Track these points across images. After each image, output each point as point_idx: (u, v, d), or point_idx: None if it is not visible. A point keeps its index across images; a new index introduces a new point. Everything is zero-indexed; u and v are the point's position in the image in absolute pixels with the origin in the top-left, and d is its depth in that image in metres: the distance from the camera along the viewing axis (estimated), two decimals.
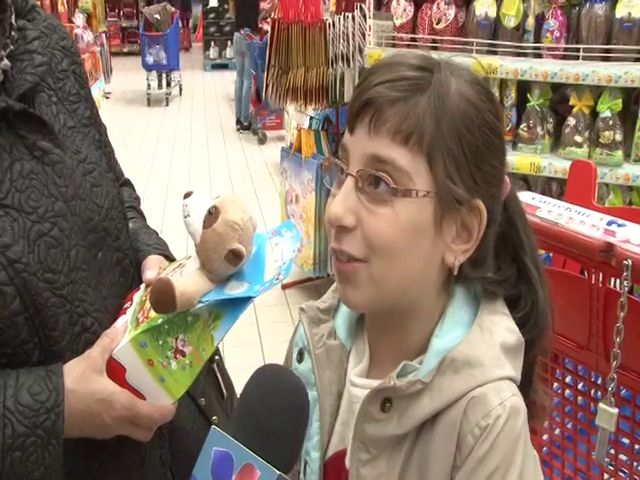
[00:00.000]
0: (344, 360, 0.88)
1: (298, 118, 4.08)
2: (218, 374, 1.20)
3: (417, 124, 0.74)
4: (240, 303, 0.91)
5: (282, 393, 0.75)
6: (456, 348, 0.77)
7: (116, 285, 1.01)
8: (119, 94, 10.32)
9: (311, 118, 4.09)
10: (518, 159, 2.86)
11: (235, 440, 0.71)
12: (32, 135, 0.94)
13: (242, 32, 7.04)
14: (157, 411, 0.93)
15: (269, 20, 5.23)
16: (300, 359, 0.91)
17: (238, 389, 1.30)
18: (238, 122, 7.74)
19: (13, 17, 0.97)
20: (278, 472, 0.69)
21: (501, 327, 0.80)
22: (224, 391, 1.20)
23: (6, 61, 0.94)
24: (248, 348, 3.40)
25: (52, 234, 0.92)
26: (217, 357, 1.20)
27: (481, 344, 0.78)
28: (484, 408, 0.74)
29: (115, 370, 0.91)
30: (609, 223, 1.39)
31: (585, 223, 1.43)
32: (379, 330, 0.87)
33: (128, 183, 1.27)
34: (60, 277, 0.92)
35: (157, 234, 1.20)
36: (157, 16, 7.35)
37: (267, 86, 3.77)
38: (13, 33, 0.96)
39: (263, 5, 7.13)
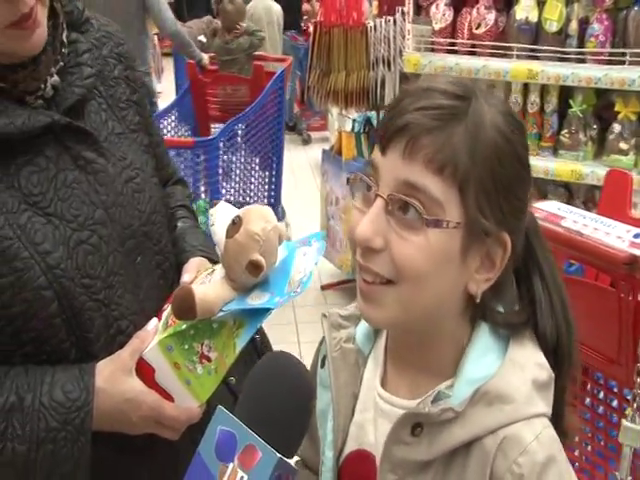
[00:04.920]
0: (360, 364, 0.91)
1: (340, 121, 4.09)
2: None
3: (452, 155, 0.73)
4: (260, 313, 0.93)
5: (288, 379, 0.76)
6: (489, 381, 0.78)
7: (155, 288, 1.04)
8: (170, 92, 10.52)
9: (353, 120, 4.10)
10: (559, 166, 2.81)
11: (240, 421, 0.72)
12: (77, 146, 1.00)
13: (287, 34, 7.10)
14: (183, 413, 0.97)
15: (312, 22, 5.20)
16: (322, 365, 0.93)
17: None
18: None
19: (65, 34, 1.03)
20: (279, 455, 0.70)
21: (532, 362, 0.80)
22: None
23: (56, 77, 0.99)
24: (286, 347, 3.43)
25: (91, 241, 0.97)
26: (257, 336, 1.22)
27: (513, 380, 0.78)
28: (520, 446, 0.75)
29: (145, 370, 0.94)
30: (636, 235, 1.37)
31: (610, 234, 1.41)
32: (398, 344, 0.88)
33: (181, 181, 1.30)
34: (97, 282, 0.97)
35: (205, 235, 1.23)
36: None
37: (308, 88, 3.80)
38: (64, 50, 1.02)
39: (306, 7, 7.18)
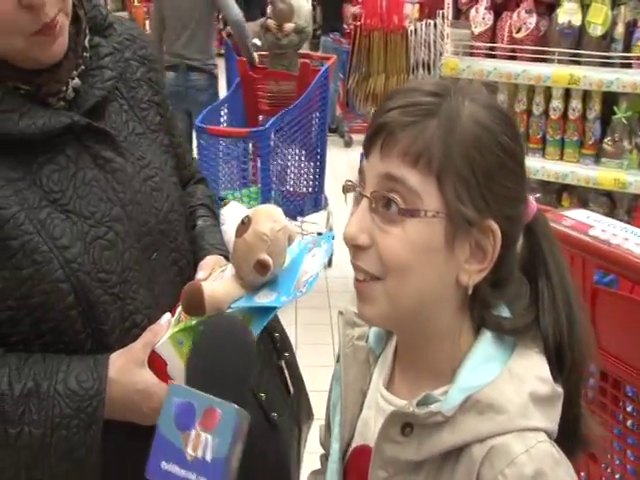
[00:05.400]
0: (371, 363, 0.93)
1: None
2: (286, 371, 1.25)
3: (426, 146, 0.76)
4: (267, 311, 0.95)
5: (229, 337, 0.84)
6: (483, 390, 0.77)
7: (171, 284, 1.06)
8: (221, 88, 10.68)
9: None
10: (601, 174, 2.73)
11: (193, 389, 0.77)
12: (96, 145, 1.04)
13: (330, 36, 7.10)
14: None
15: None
16: (337, 359, 0.97)
17: (311, 385, 1.41)
18: None
19: (87, 39, 1.07)
20: (237, 406, 0.76)
21: (532, 376, 0.79)
22: (290, 388, 1.25)
23: (77, 80, 1.03)
24: (322, 347, 3.46)
25: (107, 237, 1.02)
26: (287, 354, 1.26)
27: (508, 391, 0.77)
28: (507, 457, 0.74)
29: (157, 363, 0.97)
30: None
31: None
32: (402, 346, 0.90)
33: (203, 181, 1.34)
34: (112, 277, 1.01)
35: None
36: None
37: (348, 91, 3.81)
38: (85, 54, 1.06)
39: (351, 9, 7.19)
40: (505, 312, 0.84)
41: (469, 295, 0.81)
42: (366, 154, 0.81)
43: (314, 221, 4.38)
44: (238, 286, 0.97)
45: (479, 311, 0.83)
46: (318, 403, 1.04)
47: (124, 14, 8.07)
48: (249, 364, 0.84)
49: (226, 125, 4.24)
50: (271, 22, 5.07)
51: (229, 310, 0.94)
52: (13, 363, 0.95)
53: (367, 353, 0.94)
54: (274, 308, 0.95)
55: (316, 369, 1.97)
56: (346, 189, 0.83)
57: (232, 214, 1.10)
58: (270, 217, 0.97)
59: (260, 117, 4.55)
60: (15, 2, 0.90)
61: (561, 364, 0.82)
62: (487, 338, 0.82)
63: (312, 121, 4.07)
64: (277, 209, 1.00)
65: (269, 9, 5.56)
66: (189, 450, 0.77)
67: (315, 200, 4.23)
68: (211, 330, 0.86)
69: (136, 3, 8.07)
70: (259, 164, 3.83)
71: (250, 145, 3.75)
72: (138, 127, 1.13)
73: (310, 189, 4.20)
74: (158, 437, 0.79)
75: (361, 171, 0.82)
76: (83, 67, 1.05)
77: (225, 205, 1.13)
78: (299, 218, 4.13)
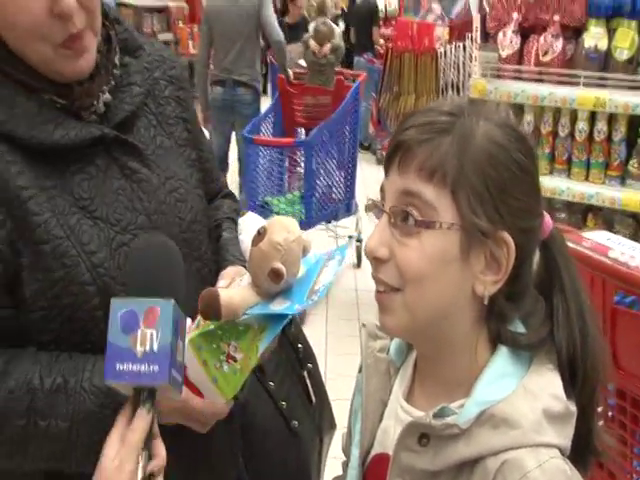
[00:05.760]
0: (391, 374, 0.96)
1: None
2: (308, 381, 1.28)
3: (440, 162, 0.79)
4: (280, 318, 0.97)
5: (153, 247, 0.93)
6: (497, 405, 0.79)
7: (194, 291, 1.08)
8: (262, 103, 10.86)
9: None
10: (626, 196, 2.74)
11: (133, 298, 0.84)
12: (124, 157, 1.09)
13: (364, 56, 7.26)
14: (209, 407, 1.02)
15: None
16: (360, 370, 1.00)
17: (339, 394, 1.44)
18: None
19: (117, 57, 1.13)
20: (172, 300, 0.83)
21: (546, 393, 0.80)
22: (312, 397, 1.28)
23: (107, 95, 1.09)
24: (351, 357, 3.52)
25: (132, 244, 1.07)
26: (310, 364, 1.29)
27: (522, 406, 0.79)
28: (520, 471, 0.75)
29: None
30: None
31: None
32: (421, 358, 0.93)
33: (230, 195, 1.39)
34: None
35: None
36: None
37: (380, 110, 3.89)
38: (116, 71, 1.12)
39: (383, 31, 7.33)
40: (520, 327, 0.85)
41: (486, 308, 0.83)
42: (386, 171, 0.85)
43: (346, 225, 4.63)
44: (254, 293, 0.99)
45: (495, 325, 0.84)
46: (346, 412, 1.07)
47: (169, 35, 8.36)
48: (177, 274, 0.91)
49: (266, 135, 4.57)
50: (313, 42, 5.46)
51: (244, 316, 0.96)
52: (44, 360, 1.00)
53: (388, 365, 0.96)
54: (287, 315, 0.96)
55: (345, 378, 2.02)
56: (368, 208, 0.87)
57: (249, 224, 1.17)
58: (285, 228, 0.99)
59: (297, 129, 4.91)
60: (47, 10, 0.96)
61: (574, 378, 0.83)
62: (503, 353, 0.83)
63: (345, 133, 4.38)
64: (292, 220, 1.02)
65: (310, 29, 5.89)
66: (138, 347, 0.83)
67: (347, 206, 4.49)
68: (143, 248, 0.94)
69: (180, 25, 8.36)
70: (293, 172, 4.21)
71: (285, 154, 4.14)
72: (165, 141, 1.18)
73: (342, 196, 4.47)
74: (109, 346, 0.85)
75: (382, 189, 0.85)
76: (113, 83, 1.11)
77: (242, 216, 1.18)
78: (333, 222, 4.43)
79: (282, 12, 7.05)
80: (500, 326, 0.84)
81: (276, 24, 4.80)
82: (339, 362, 3.26)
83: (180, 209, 1.14)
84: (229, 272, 1.11)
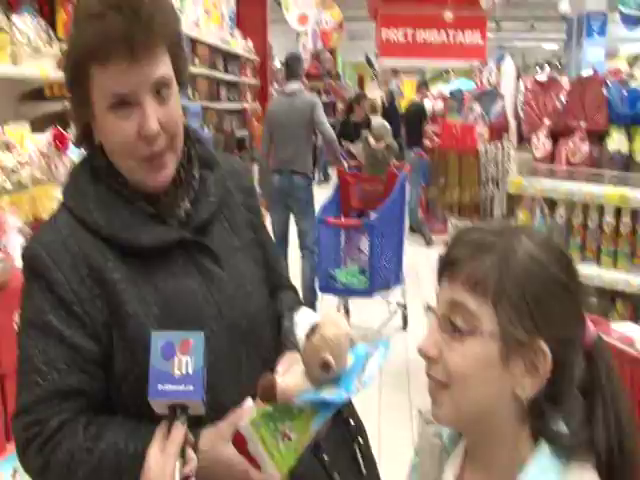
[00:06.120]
0: (444, 459, 1.02)
1: (454, 230, 4.49)
2: (359, 454, 1.33)
3: (483, 276, 0.86)
4: (329, 405, 1.04)
5: (176, 293, 1.10)
6: None
7: (256, 375, 1.09)
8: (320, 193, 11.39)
9: None
10: None
11: (170, 331, 0.99)
12: (200, 257, 1.21)
13: (414, 150, 7.83)
14: None
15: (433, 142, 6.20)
16: (416, 453, 1.09)
17: (391, 455, 1.63)
18: (410, 226, 8.36)
19: (197, 172, 1.25)
20: (202, 333, 0.99)
21: None
22: (363, 470, 1.33)
23: (188, 204, 1.22)
24: (400, 425, 3.77)
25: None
26: (361, 439, 1.35)
27: None
28: None
29: (239, 440, 1.07)
30: None
31: None
32: (469, 447, 0.99)
33: (292, 288, 1.48)
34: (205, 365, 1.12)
35: None
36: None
37: (429, 199, 4.27)
38: (195, 184, 1.24)
39: (430, 127, 7.86)
40: (562, 425, 0.88)
41: (528, 406, 0.87)
42: (439, 281, 0.92)
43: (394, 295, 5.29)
44: (307, 381, 1.05)
45: (537, 423, 0.88)
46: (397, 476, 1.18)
47: (245, 131, 9.23)
48: (197, 309, 1.07)
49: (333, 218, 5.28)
50: (371, 139, 6.15)
51: (298, 401, 1.03)
52: (129, 428, 1.07)
53: (441, 449, 1.02)
54: (336, 402, 1.03)
55: (395, 446, 2.12)
56: (427, 309, 0.94)
57: (303, 319, 1.27)
58: (334, 324, 1.06)
59: (354, 212, 5.56)
60: (136, 133, 1.09)
61: (611, 476, 0.88)
62: (545, 450, 0.87)
63: (396, 215, 5.06)
64: (341, 317, 1.10)
65: (372, 127, 6.66)
66: (175, 371, 0.96)
67: (397, 277, 5.11)
68: (170, 295, 1.08)
69: (255, 123, 9.28)
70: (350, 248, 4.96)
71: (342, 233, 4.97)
72: (236, 242, 1.28)
73: (394, 268, 5.09)
74: (151, 370, 0.96)
75: (437, 295, 0.92)
76: (193, 194, 1.22)
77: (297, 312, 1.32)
78: (383, 293, 5.03)
79: (348, 112, 7.75)
80: (541, 424, 0.88)
81: (327, 124, 5.47)
82: (390, 431, 3.54)
83: (246, 303, 1.24)
84: (287, 359, 1.15)
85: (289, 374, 1.08)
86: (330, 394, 1.03)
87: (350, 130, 7.77)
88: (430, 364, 0.91)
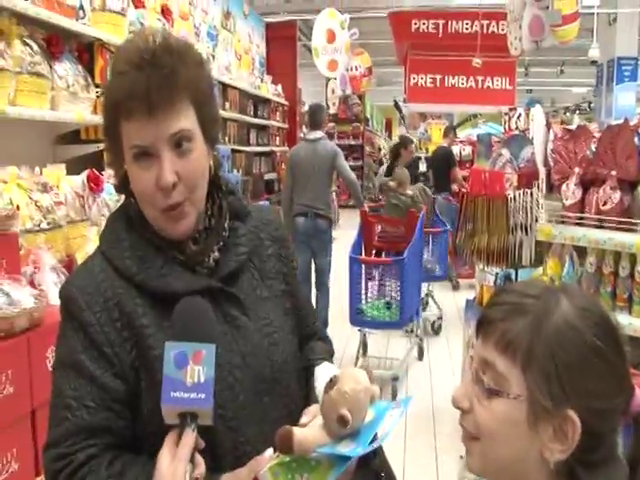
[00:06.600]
0: None
1: (481, 276, 4.46)
2: None
3: (513, 340, 0.87)
4: (345, 459, 1.04)
5: (192, 308, 1.08)
6: None
7: (280, 423, 1.11)
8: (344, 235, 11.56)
9: (496, 274, 4.45)
10: None
11: (183, 342, 1.02)
12: (227, 305, 1.24)
13: (442, 195, 7.86)
14: None
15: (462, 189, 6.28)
16: None
17: None
18: None
19: (227, 223, 1.29)
20: (214, 345, 1.02)
21: None
22: None
23: (217, 253, 1.26)
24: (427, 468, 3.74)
25: (227, 380, 1.18)
26: (382, 475, 1.30)
27: None
28: None
29: None
30: None
31: None
32: None
33: (324, 339, 1.51)
34: (228, 412, 1.18)
35: None
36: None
37: (456, 246, 4.25)
38: (224, 233, 1.28)
39: (460, 172, 7.89)
40: None
41: (561, 469, 0.86)
42: (476, 337, 0.95)
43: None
44: (324, 434, 1.06)
45: None
46: None
47: (273, 174, 9.60)
48: (211, 324, 1.07)
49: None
50: (392, 183, 6.44)
51: (314, 454, 1.04)
52: (152, 468, 1.04)
53: None
54: (351, 457, 1.04)
55: None
56: (469, 359, 1.10)
57: (323, 373, 1.28)
58: (353, 378, 1.07)
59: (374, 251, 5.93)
60: (154, 185, 1.13)
61: None
62: None
63: (417, 254, 5.59)
64: (361, 372, 1.10)
65: (396, 173, 6.83)
66: (188, 379, 0.99)
67: (417, 311, 5.79)
68: (184, 309, 1.07)
69: (283, 166, 9.70)
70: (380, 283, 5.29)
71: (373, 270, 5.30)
72: (265, 292, 1.30)
73: (415, 303, 5.62)
74: (165, 378, 1.00)
75: (474, 348, 0.95)
76: (222, 244, 1.26)
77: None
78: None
79: (394, 157, 7.94)
80: None
81: (349, 169, 5.94)
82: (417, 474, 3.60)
83: (273, 352, 1.26)
84: (312, 410, 1.15)
85: (310, 426, 1.09)
86: (346, 448, 1.04)
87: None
88: (462, 415, 0.92)
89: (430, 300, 7.05)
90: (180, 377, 1.00)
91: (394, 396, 5.09)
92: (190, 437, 1.00)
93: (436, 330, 6.75)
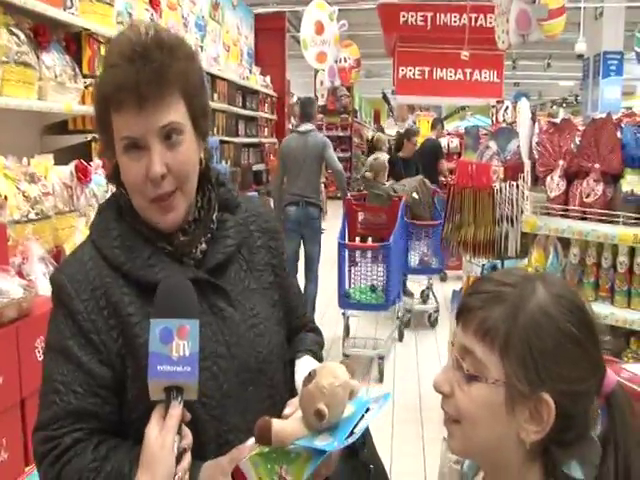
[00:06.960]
0: None
1: (468, 267, 4.50)
2: None
3: (491, 327, 0.90)
4: (322, 452, 1.05)
5: (174, 286, 1.08)
6: None
7: (264, 414, 1.12)
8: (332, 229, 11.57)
9: (483, 265, 4.49)
10: None
11: (167, 318, 1.04)
12: (213, 297, 1.25)
13: (431, 187, 7.86)
14: None
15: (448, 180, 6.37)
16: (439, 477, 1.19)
17: None
18: None
19: (215, 215, 1.29)
20: (198, 320, 1.04)
21: None
22: None
23: (204, 245, 1.26)
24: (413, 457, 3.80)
25: (212, 370, 1.20)
26: (372, 466, 1.32)
27: None
28: None
29: (239, 476, 1.09)
30: None
31: None
32: (485, 477, 1.04)
33: (315, 330, 1.52)
34: (212, 402, 1.20)
35: None
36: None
37: (443, 238, 4.28)
38: (212, 226, 1.28)
39: (446, 165, 7.93)
40: (576, 469, 0.92)
41: (537, 448, 0.90)
42: (456, 324, 0.97)
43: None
44: (303, 426, 1.07)
45: (548, 465, 0.92)
46: None
47: (262, 165, 9.69)
48: (193, 301, 1.07)
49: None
50: (369, 174, 6.79)
51: (291, 446, 1.06)
52: (136, 453, 1.06)
53: (461, 476, 1.07)
54: (326, 451, 1.05)
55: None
56: (450, 345, 1.13)
57: (303, 367, 1.30)
58: (332, 373, 1.08)
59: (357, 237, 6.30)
60: (144, 175, 1.14)
61: None
62: None
63: (400, 240, 5.87)
64: (340, 367, 1.11)
65: (371, 164, 7.16)
66: (174, 353, 1.01)
67: (399, 294, 6.05)
68: (167, 286, 1.08)
69: (272, 157, 9.77)
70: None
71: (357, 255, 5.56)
72: (253, 284, 1.31)
73: (398, 286, 5.93)
74: (151, 354, 1.02)
75: (454, 335, 0.98)
76: (210, 236, 1.27)
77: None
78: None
79: (397, 148, 7.98)
80: (552, 466, 0.92)
81: (337, 161, 6.17)
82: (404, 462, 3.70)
83: (258, 343, 1.27)
84: (295, 402, 1.16)
85: (291, 419, 1.10)
86: (323, 442, 1.05)
87: (399, 168, 7.88)
88: (444, 399, 0.96)
89: (430, 293, 7.08)
90: (166, 352, 1.02)
91: (381, 375, 5.24)
92: (177, 409, 1.02)
93: (432, 323, 6.77)
